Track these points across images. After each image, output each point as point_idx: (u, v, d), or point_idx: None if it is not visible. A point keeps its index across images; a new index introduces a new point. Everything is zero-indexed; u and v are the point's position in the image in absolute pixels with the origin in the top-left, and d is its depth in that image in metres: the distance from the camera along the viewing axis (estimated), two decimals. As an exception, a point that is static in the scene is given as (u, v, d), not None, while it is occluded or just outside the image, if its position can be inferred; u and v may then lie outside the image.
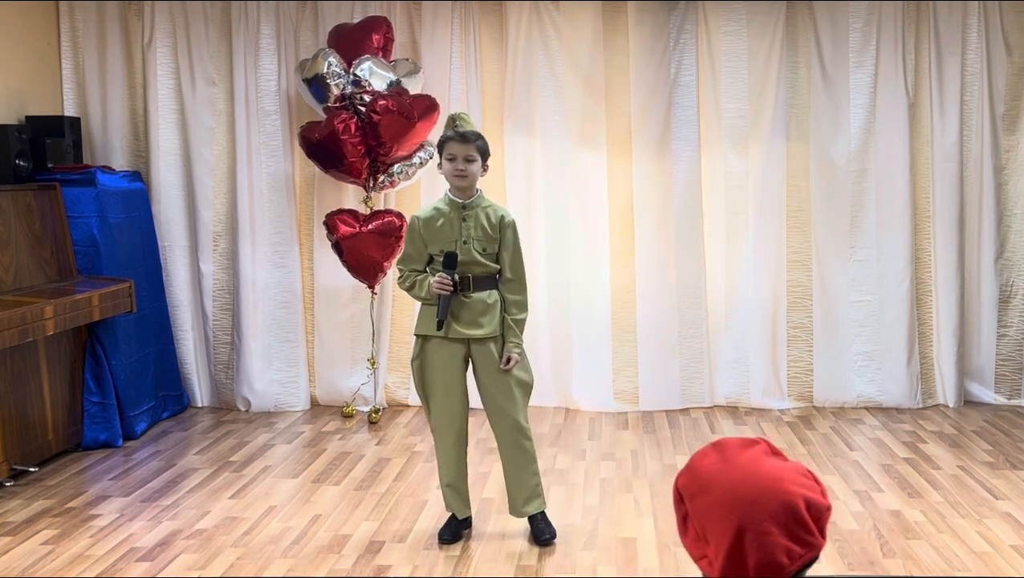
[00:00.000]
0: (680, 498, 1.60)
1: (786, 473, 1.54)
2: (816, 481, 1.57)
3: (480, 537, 3.84)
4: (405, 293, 5.75)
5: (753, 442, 1.60)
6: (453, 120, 3.66)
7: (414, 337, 3.76)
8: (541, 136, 5.65)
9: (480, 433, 5.00)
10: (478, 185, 3.71)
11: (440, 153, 3.68)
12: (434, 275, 3.64)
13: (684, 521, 1.60)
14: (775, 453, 1.60)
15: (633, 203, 5.67)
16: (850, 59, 5.55)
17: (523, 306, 3.72)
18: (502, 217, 3.69)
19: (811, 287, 5.70)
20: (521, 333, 3.71)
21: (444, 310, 3.60)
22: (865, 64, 5.54)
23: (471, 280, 3.64)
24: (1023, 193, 5.66)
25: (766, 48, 5.56)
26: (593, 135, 5.65)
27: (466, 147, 3.60)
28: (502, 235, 3.68)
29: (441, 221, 3.67)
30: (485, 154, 3.67)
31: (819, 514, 1.52)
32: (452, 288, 3.58)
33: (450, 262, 3.59)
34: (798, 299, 5.72)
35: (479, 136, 3.65)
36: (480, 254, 3.64)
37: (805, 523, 1.50)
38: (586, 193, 5.67)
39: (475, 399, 3.76)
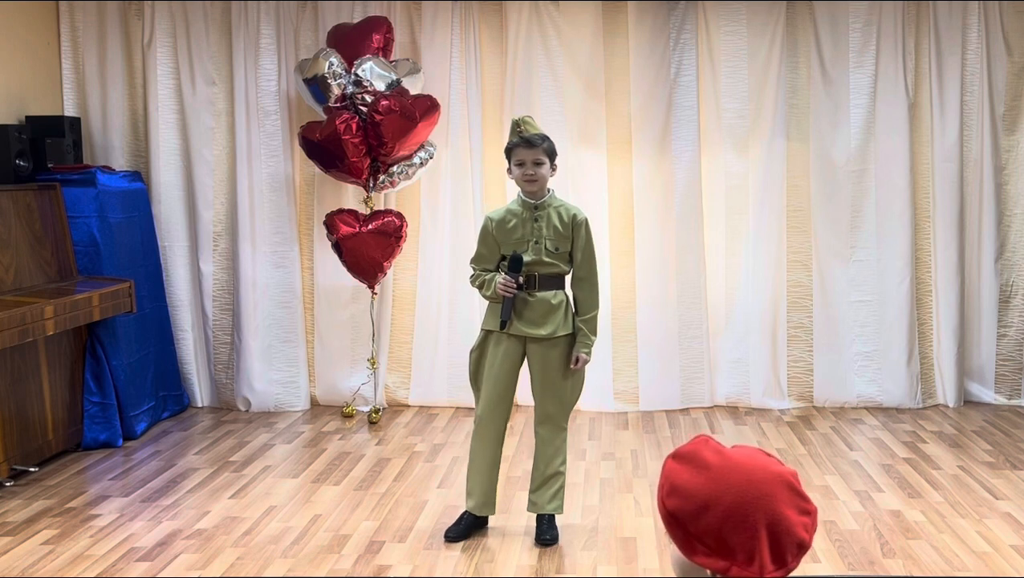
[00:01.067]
0: (674, 521, 1.58)
1: (758, 458, 1.58)
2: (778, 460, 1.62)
3: (480, 537, 3.84)
4: (404, 293, 5.83)
5: (702, 441, 1.62)
6: (517, 125, 3.70)
7: (480, 330, 3.82)
8: (549, 137, 5.63)
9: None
10: (550, 185, 3.77)
11: (508, 159, 3.72)
12: (501, 275, 3.67)
13: (688, 542, 1.57)
14: (719, 444, 1.62)
15: (633, 203, 5.67)
16: (850, 59, 5.55)
17: (594, 304, 3.76)
18: (574, 216, 3.73)
19: (811, 287, 5.70)
20: (594, 332, 3.75)
21: (508, 311, 3.66)
22: (865, 64, 5.54)
23: (536, 279, 3.68)
24: (1023, 193, 5.66)
25: (766, 48, 5.56)
26: (593, 135, 5.65)
27: (533, 152, 3.65)
28: (574, 233, 3.71)
29: (513, 222, 3.72)
30: (552, 155, 3.72)
31: (798, 481, 1.59)
32: (516, 290, 3.63)
33: (515, 265, 3.64)
34: (798, 299, 5.72)
35: (544, 138, 3.69)
36: (552, 254, 3.68)
37: (801, 493, 1.57)
38: (586, 193, 5.67)
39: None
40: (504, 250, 3.72)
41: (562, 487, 3.82)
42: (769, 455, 1.60)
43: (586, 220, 3.75)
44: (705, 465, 1.57)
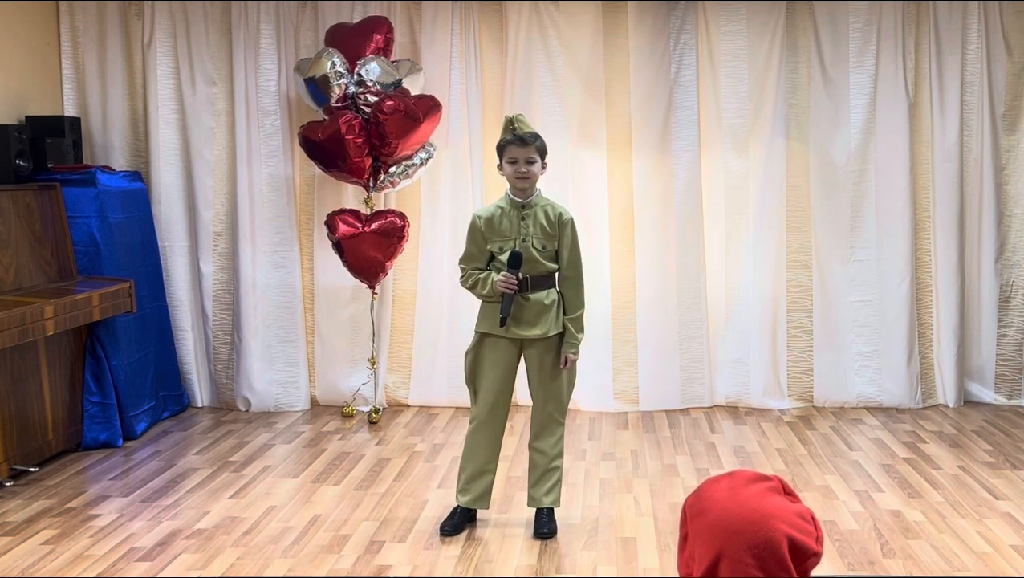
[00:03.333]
0: (685, 518, 1.65)
1: (783, 512, 1.55)
2: (815, 527, 1.59)
3: (480, 537, 3.84)
4: (404, 293, 5.83)
5: (767, 478, 1.62)
6: (511, 123, 3.72)
7: (475, 332, 3.83)
8: (541, 136, 5.63)
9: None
10: (539, 184, 3.80)
11: (500, 156, 3.74)
12: (496, 273, 3.68)
13: (685, 540, 1.64)
14: (787, 492, 1.61)
15: (633, 203, 5.67)
16: (850, 59, 5.55)
17: (580, 303, 3.79)
18: (560, 214, 3.76)
19: (811, 287, 5.70)
20: (580, 330, 3.78)
21: (507, 308, 3.67)
22: (865, 64, 5.54)
23: (529, 281, 3.71)
24: (1023, 193, 5.66)
25: (766, 48, 5.56)
26: (593, 135, 5.65)
27: (526, 149, 3.67)
28: (560, 232, 3.74)
29: (502, 219, 3.74)
30: (544, 153, 3.75)
31: (803, 558, 1.55)
32: (516, 287, 3.64)
33: (515, 261, 3.65)
34: (798, 299, 5.72)
35: (537, 136, 3.72)
36: (539, 252, 3.70)
37: (784, 563, 1.52)
38: (586, 193, 5.67)
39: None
40: (491, 248, 3.74)
41: (559, 481, 3.87)
42: (808, 521, 1.57)
43: (572, 219, 3.78)
44: (735, 486, 1.59)
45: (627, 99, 5.62)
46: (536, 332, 3.72)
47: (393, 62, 5.39)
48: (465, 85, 5.65)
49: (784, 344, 5.72)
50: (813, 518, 1.60)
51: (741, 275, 5.72)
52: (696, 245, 5.66)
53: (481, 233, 3.76)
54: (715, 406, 5.77)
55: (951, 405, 5.66)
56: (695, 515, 1.60)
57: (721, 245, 5.73)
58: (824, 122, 5.60)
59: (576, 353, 3.77)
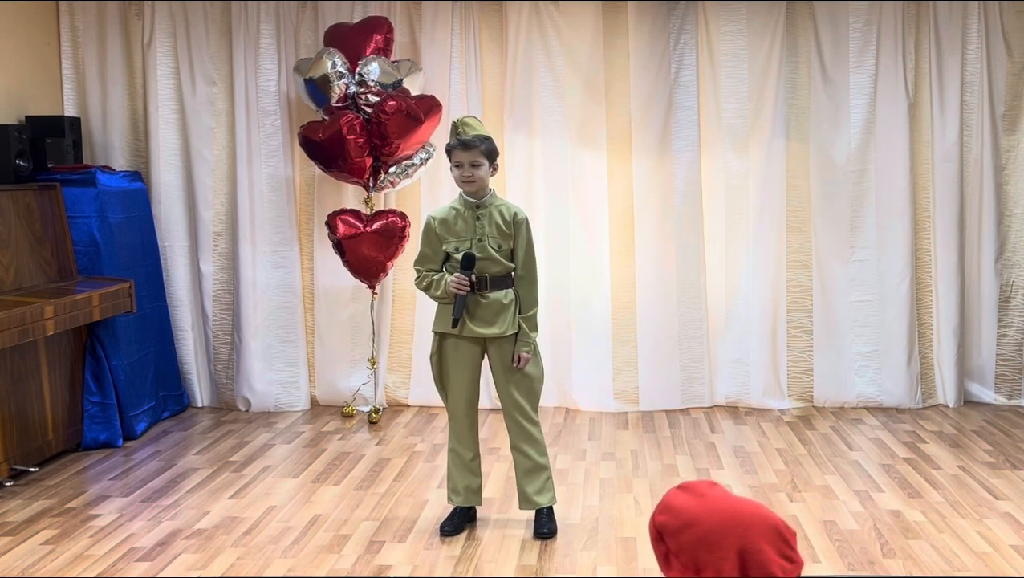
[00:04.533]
0: (660, 536, 1.66)
1: (755, 503, 1.67)
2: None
3: (480, 537, 3.84)
4: (405, 293, 5.83)
5: (714, 483, 1.72)
6: (456, 127, 3.73)
7: (432, 334, 3.84)
8: (541, 136, 5.65)
9: (482, 433, 4.99)
10: (490, 185, 3.80)
11: (449, 159, 3.75)
12: (451, 274, 3.69)
13: (666, 558, 1.66)
14: (725, 488, 1.73)
15: (633, 203, 5.67)
16: (850, 59, 5.55)
17: (533, 302, 3.81)
18: (515, 214, 3.78)
19: (811, 287, 5.70)
20: (533, 329, 3.79)
21: (459, 309, 3.68)
22: (865, 64, 5.54)
23: (488, 280, 3.72)
24: (1023, 193, 5.66)
25: (766, 48, 5.56)
26: (593, 135, 5.65)
27: (470, 153, 3.68)
28: (516, 232, 3.76)
29: (457, 220, 3.76)
30: (492, 155, 3.74)
31: (792, 535, 1.65)
32: (469, 288, 3.65)
33: (468, 263, 3.67)
34: (798, 299, 5.72)
35: (483, 139, 3.71)
36: (496, 251, 3.72)
37: (788, 541, 1.62)
38: (586, 193, 5.67)
39: (486, 397, 3.83)
40: (447, 248, 3.76)
41: (549, 478, 3.87)
42: (767, 507, 1.68)
43: (526, 219, 3.80)
44: (701, 494, 1.66)
45: (627, 99, 5.62)
46: (494, 330, 3.73)
47: (394, 62, 5.39)
48: (465, 85, 5.65)
49: (784, 344, 5.72)
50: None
51: (741, 275, 5.72)
52: (696, 245, 5.66)
53: (436, 234, 3.77)
54: (715, 406, 5.77)
55: (951, 405, 5.66)
56: (679, 530, 1.62)
57: (721, 245, 5.73)
58: (824, 122, 5.60)
59: (529, 351, 3.77)
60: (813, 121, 5.61)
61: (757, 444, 5.03)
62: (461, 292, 3.66)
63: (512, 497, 4.24)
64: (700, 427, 5.37)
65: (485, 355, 3.83)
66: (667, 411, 5.67)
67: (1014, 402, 5.71)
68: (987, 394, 5.75)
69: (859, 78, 5.55)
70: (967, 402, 5.73)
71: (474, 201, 3.76)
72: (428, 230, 3.80)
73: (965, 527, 3.86)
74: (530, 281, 3.80)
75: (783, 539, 1.60)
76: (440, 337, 3.81)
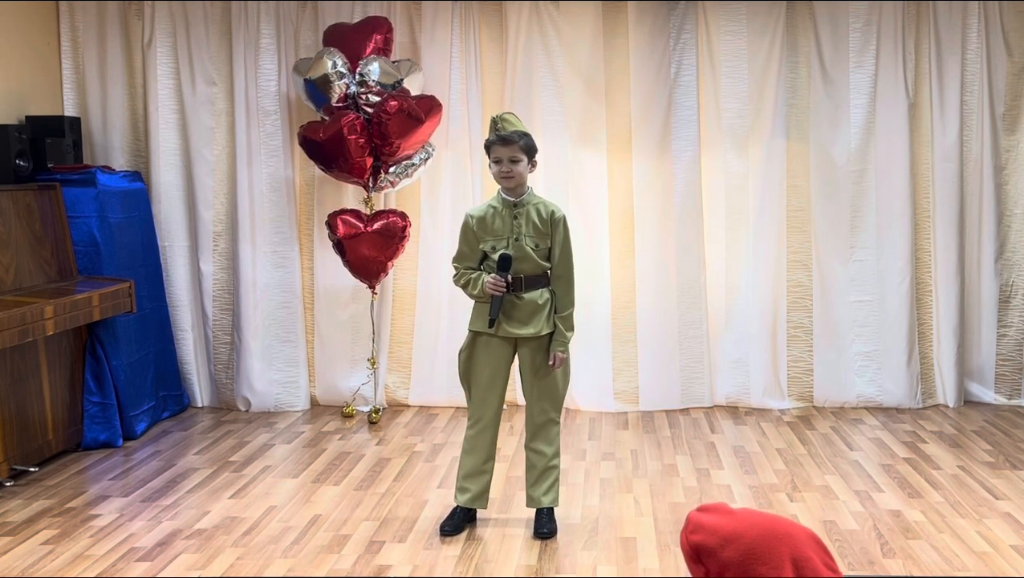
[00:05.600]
0: (697, 556, 1.60)
1: (784, 517, 1.66)
2: None
3: (480, 537, 3.84)
4: (405, 293, 5.83)
5: (724, 503, 1.71)
6: (495, 123, 3.71)
7: (468, 331, 3.83)
8: (541, 136, 5.64)
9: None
10: (528, 183, 3.80)
11: (488, 155, 3.75)
12: (488, 273, 3.68)
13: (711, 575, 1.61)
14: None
15: (633, 203, 5.67)
16: (850, 59, 5.55)
17: (570, 302, 3.79)
18: (552, 212, 3.76)
19: (811, 287, 5.70)
20: (570, 329, 3.78)
21: (496, 309, 3.68)
22: (865, 64, 5.54)
23: (523, 280, 3.72)
24: (1023, 193, 5.66)
25: (766, 48, 5.56)
26: (593, 135, 5.65)
27: (510, 149, 3.67)
28: (553, 230, 3.74)
29: (495, 219, 3.75)
30: (531, 151, 3.73)
31: (825, 546, 1.63)
32: (505, 289, 3.65)
33: (504, 264, 3.66)
34: (798, 299, 5.72)
35: (523, 135, 3.70)
36: (533, 250, 3.71)
37: (828, 550, 1.61)
38: (586, 193, 5.67)
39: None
40: (484, 247, 3.75)
41: (557, 480, 3.87)
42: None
43: (564, 217, 3.78)
44: (730, 512, 1.62)
45: (627, 99, 5.62)
46: (529, 331, 3.72)
47: (394, 62, 5.39)
48: (465, 85, 5.65)
49: (784, 344, 5.72)
50: None
51: (741, 275, 5.72)
52: (696, 245, 5.66)
53: (473, 232, 3.77)
54: (715, 406, 5.77)
55: (951, 405, 5.66)
56: (718, 547, 1.57)
57: (721, 245, 5.73)
58: (824, 122, 5.60)
59: (565, 351, 3.77)
60: (813, 121, 5.61)
61: (757, 444, 5.03)
62: (497, 293, 3.65)
63: (512, 497, 4.24)
64: (700, 427, 5.37)
65: (515, 355, 3.82)
66: (667, 411, 5.67)
67: (1014, 402, 5.71)
68: (987, 394, 5.75)
69: (859, 78, 5.55)
70: (967, 402, 5.73)
71: (512, 199, 3.74)
72: (466, 228, 3.78)
73: (965, 527, 3.86)
74: (567, 280, 3.78)
75: (823, 548, 1.60)
76: (474, 334, 3.80)
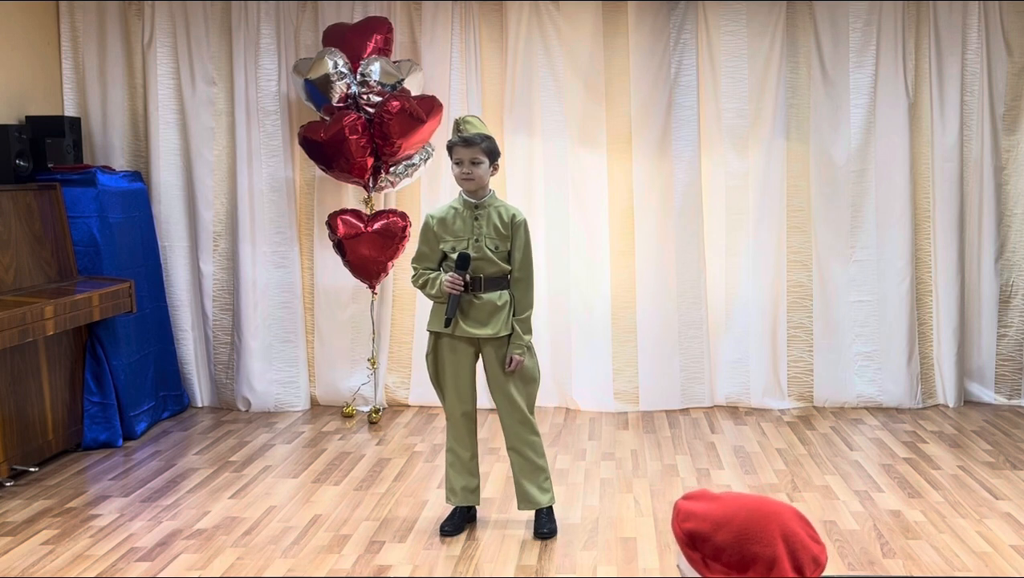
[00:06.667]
0: (692, 543, 1.64)
1: (765, 497, 1.70)
2: None
3: (480, 537, 3.84)
4: (405, 293, 5.83)
5: (704, 489, 1.74)
6: (458, 125, 3.74)
7: (427, 332, 3.85)
8: (541, 136, 5.65)
9: (481, 433, 4.99)
10: (491, 186, 3.80)
11: (450, 156, 3.75)
12: (447, 273, 3.69)
13: (705, 561, 1.63)
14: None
15: (633, 203, 5.67)
16: (850, 59, 5.55)
17: (528, 305, 3.80)
18: (513, 216, 3.77)
19: (811, 287, 5.70)
20: (527, 331, 3.78)
21: (453, 308, 3.69)
22: (865, 64, 5.54)
23: (482, 281, 3.72)
24: (1023, 193, 5.66)
25: (766, 48, 5.56)
26: (593, 135, 5.65)
27: (471, 150, 3.68)
28: (513, 233, 3.75)
29: (455, 220, 3.76)
30: (493, 154, 3.74)
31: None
32: (463, 287, 3.65)
33: (462, 263, 3.67)
34: (798, 299, 5.72)
35: (484, 138, 3.70)
36: (492, 252, 3.71)
37: (810, 523, 1.65)
38: (586, 193, 5.67)
39: (484, 397, 3.88)
40: (444, 248, 3.76)
41: (548, 478, 3.87)
42: None
43: (525, 221, 3.79)
44: (715, 498, 1.67)
45: (627, 99, 5.62)
46: (488, 331, 3.73)
47: (395, 62, 5.39)
48: (465, 85, 5.65)
49: (784, 344, 5.72)
50: None
51: (741, 275, 5.72)
52: (696, 245, 5.66)
53: (434, 233, 3.78)
54: (715, 406, 5.77)
55: (951, 405, 5.66)
56: (712, 531, 1.61)
57: (721, 245, 5.73)
58: (824, 122, 5.60)
59: (522, 354, 3.75)
60: (813, 121, 5.61)
61: (757, 444, 5.03)
62: (455, 292, 3.66)
63: (512, 497, 4.24)
64: (700, 427, 5.37)
65: (480, 355, 3.83)
66: (667, 411, 5.67)
67: (1014, 402, 5.71)
68: (987, 394, 5.75)
69: (859, 78, 5.55)
70: (967, 402, 5.73)
71: (473, 201, 3.76)
72: (426, 229, 3.81)
73: (965, 527, 3.86)
74: (526, 283, 3.79)
75: (806, 522, 1.64)
76: (435, 336, 3.82)
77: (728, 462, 4.74)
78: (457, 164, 3.72)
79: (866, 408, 5.67)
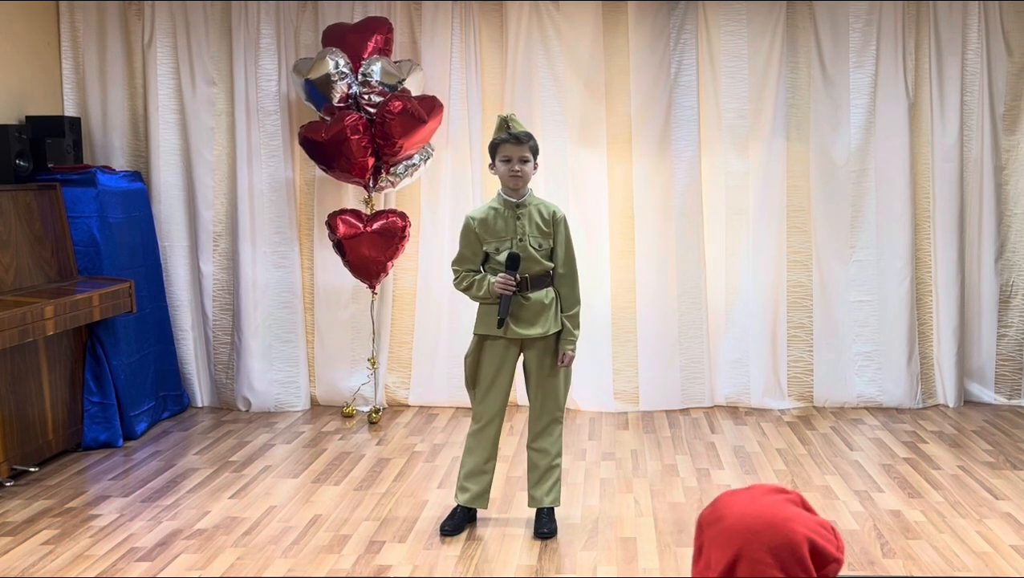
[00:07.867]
0: (700, 529, 1.62)
1: (802, 518, 1.53)
2: (835, 537, 1.57)
3: (480, 537, 3.84)
4: (404, 293, 5.83)
5: (786, 491, 1.60)
6: (505, 122, 3.72)
7: (473, 335, 3.83)
8: (541, 136, 5.63)
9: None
10: (530, 184, 3.80)
11: (493, 155, 3.75)
12: (493, 274, 3.68)
13: (699, 550, 1.60)
14: (806, 507, 1.59)
15: (633, 203, 5.67)
16: (850, 59, 5.55)
17: (576, 300, 3.81)
18: (554, 212, 3.78)
19: (811, 287, 5.70)
20: (577, 327, 3.80)
21: (505, 309, 3.68)
22: (865, 64, 5.54)
23: (528, 281, 3.72)
24: (1023, 193, 5.66)
25: (766, 48, 5.56)
26: (593, 135, 5.65)
27: (520, 148, 3.68)
28: (555, 230, 3.76)
29: (496, 220, 3.75)
30: (536, 153, 3.76)
31: (824, 562, 1.52)
32: (514, 288, 3.64)
33: (513, 263, 3.66)
34: (798, 299, 5.72)
35: (530, 136, 3.73)
36: (537, 250, 3.71)
37: (804, 563, 1.49)
38: (586, 193, 5.67)
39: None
40: (487, 248, 3.75)
41: (559, 480, 3.88)
42: (828, 530, 1.56)
43: (564, 217, 3.80)
44: (754, 496, 1.57)
45: (627, 99, 5.62)
46: (537, 331, 3.72)
47: (395, 62, 5.39)
48: (465, 85, 5.65)
49: (784, 344, 5.72)
50: (834, 529, 1.58)
51: (741, 275, 5.72)
52: (696, 245, 5.66)
53: (475, 234, 3.76)
54: (715, 406, 5.77)
55: (951, 405, 5.66)
56: (711, 523, 1.58)
57: (721, 245, 5.73)
58: (824, 122, 5.60)
59: (574, 350, 3.79)
60: (813, 121, 5.61)
61: (757, 444, 5.03)
62: (507, 292, 3.65)
63: (512, 497, 4.24)
64: (700, 427, 5.37)
65: (520, 355, 3.82)
66: (667, 411, 5.67)
67: (1014, 402, 5.71)
68: (987, 394, 5.75)
69: (859, 78, 5.55)
70: (967, 402, 5.73)
71: (514, 200, 3.74)
72: (467, 230, 3.77)
73: (965, 527, 3.86)
74: (571, 279, 3.79)
75: (797, 559, 1.48)
76: (480, 338, 3.80)
77: (728, 462, 4.74)
78: (505, 162, 3.69)
79: (866, 408, 5.67)
